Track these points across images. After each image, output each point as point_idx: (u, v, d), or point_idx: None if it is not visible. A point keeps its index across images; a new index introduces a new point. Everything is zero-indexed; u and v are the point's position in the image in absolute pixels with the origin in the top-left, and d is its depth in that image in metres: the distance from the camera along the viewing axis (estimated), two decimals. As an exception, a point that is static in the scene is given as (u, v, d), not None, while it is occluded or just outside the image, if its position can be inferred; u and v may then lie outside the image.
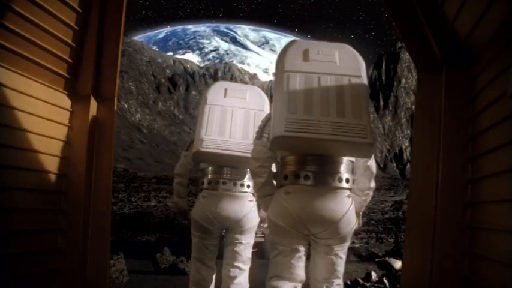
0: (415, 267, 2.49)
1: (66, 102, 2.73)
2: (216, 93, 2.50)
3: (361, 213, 2.25)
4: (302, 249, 2.00)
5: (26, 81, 2.41)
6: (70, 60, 2.66)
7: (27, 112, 2.39)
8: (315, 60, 1.94)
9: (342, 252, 2.01)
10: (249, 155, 2.17)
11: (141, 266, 6.65)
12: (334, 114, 1.80)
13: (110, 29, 2.77)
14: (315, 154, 1.93)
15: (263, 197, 2.09)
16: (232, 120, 2.37)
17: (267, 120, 2.08)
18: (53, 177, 2.58)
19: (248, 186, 2.53)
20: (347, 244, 2.02)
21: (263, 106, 2.49)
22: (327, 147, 1.87)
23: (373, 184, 2.17)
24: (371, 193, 2.19)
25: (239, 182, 2.51)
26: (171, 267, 6.24)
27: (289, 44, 2.05)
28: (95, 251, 2.67)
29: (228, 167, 2.51)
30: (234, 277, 2.56)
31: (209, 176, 2.54)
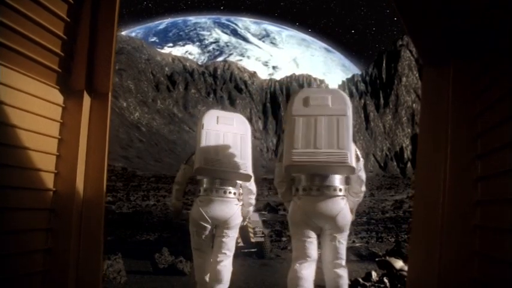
0: (421, 269, 2.41)
1: (59, 98, 2.63)
2: (210, 120, 3.21)
3: (354, 210, 3.00)
4: (313, 236, 2.81)
5: (16, 75, 2.32)
6: (62, 54, 2.56)
7: (17, 107, 2.30)
8: (313, 105, 2.72)
9: (342, 239, 2.78)
10: (235, 170, 3.05)
11: (140, 266, 6.58)
12: (326, 146, 2.59)
13: (104, 21, 2.66)
14: (314, 174, 2.75)
15: (285, 202, 3.03)
16: (225, 142, 3.14)
17: (282, 151, 2.85)
18: (44, 175, 2.50)
19: (234, 194, 3.25)
20: (346, 233, 2.81)
21: (246, 131, 3.29)
22: (320, 169, 2.71)
23: (364, 188, 2.95)
24: (362, 195, 2.97)
25: (227, 190, 3.22)
26: (169, 267, 6.17)
27: (296, 93, 2.85)
28: (87, 251, 2.58)
29: (219, 179, 3.20)
30: (221, 260, 3.23)
31: (204, 186, 3.24)
